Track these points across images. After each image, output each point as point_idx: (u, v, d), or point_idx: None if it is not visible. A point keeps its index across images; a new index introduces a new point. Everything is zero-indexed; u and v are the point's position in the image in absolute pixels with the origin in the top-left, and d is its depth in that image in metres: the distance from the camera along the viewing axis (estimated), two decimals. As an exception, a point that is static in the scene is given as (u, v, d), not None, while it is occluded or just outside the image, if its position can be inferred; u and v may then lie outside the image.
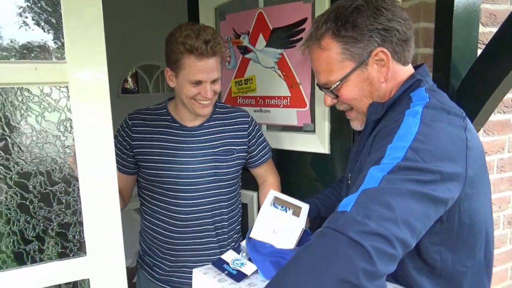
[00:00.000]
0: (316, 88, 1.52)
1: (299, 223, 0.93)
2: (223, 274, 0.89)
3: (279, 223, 0.93)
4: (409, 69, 0.91)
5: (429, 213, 0.70)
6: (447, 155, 0.73)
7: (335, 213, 0.71)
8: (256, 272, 0.89)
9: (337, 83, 0.89)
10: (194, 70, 1.25)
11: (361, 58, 0.86)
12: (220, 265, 0.91)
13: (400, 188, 0.68)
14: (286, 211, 0.99)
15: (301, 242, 0.95)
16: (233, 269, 0.88)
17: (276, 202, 1.03)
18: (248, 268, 0.89)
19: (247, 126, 1.44)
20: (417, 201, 0.68)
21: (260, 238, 0.94)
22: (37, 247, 0.98)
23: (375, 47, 0.85)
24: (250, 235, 0.95)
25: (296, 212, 1.00)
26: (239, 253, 0.95)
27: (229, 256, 0.94)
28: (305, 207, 1.01)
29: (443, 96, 0.86)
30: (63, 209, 0.98)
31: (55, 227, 0.98)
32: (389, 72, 0.87)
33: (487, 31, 1.51)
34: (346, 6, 0.85)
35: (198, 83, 1.27)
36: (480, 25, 1.45)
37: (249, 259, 0.92)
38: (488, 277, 0.87)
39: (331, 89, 0.90)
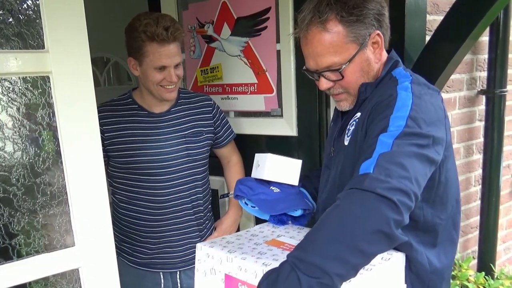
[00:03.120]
0: (283, 73, 1.60)
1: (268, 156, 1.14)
2: (230, 245, 0.98)
3: (261, 159, 1.18)
4: (385, 53, 1.02)
5: (427, 171, 0.84)
6: (434, 122, 0.86)
7: (357, 176, 0.80)
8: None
9: (346, 64, 0.94)
10: (157, 56, 1.31)
11: (364, 40, 0.94)
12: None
13: (408, 150, 0.80)
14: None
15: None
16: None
17: None
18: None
19: (211, 108, 1.52)
20: (420, 161, 0.81)
21: (253, 175, 1.19)
22: (23, 240, 0.96)
23: (374, 30, 0.94)
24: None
25: None
26: None
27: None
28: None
29: (416, 74, 0.99)
30: (48, 201, 0.97)
31: (40, 220, 0.97)
32: (382, 53, 0.97)
33: (432, 19, 1.67)
34: None
35: (162, 68, 1.34)
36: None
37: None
38: (456, 230, 1.02)
39: (340, 70, 0.95)
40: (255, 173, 1.18)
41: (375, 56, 0.97)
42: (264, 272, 0.79)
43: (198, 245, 0.99)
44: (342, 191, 0.81)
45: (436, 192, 0.93)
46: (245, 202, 1.16)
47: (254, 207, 1.13)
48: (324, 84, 1.00)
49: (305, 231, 1.06)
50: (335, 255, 0.73)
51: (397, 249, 0.93)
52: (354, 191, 0.78)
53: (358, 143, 0.93)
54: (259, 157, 1.18)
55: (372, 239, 0.74)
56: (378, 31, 0.95)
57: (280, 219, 1.10)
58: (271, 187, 1.14)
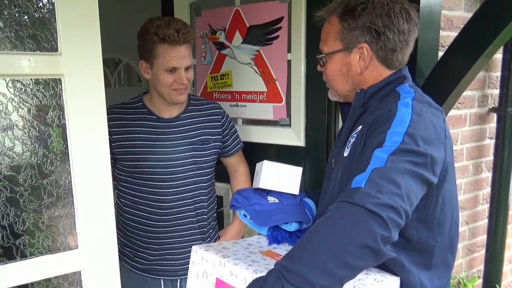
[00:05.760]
0: (293, 83, 1.60)
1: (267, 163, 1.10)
2: (225, 250, 0.96)
3: (259, 168, 1.13)
4: (378, 72, 1.00)
5: (420, 191, 0.82)
6: (432, 141, 0.85)
7: (348, 190, 0.80)
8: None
9: (324, 55, 1.03)
10: (168, 58, 1.31)
11: (348, 45, 0.98)
12: None
13: (402, 167, 0.79)
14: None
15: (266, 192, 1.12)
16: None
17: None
18: None
19: (220, 117, 1.51)
20: (413, 180, 0.80)
21: (253, 185, 1.15)
22: (27, 241, 0.97)
23: (362, 42, 0.96)
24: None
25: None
26: None
27: None
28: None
29: (422, 92, 0.98)
30: (54, 202, 0.98)
31: (45, 221, 0.98)
32: (365, 67, 0.98)
33: (445, 35, 1.66)
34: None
35: (173, 70, 1.33)
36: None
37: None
38: (452, 254, 1.00)
39: (320, 56, 1.05)
40: (255, 183, 1.13)
41: (358, 66, 0.99)
42: None
43: (194, 247, 0.99)
44: (334, 203, 0.81)
45: (433, 214, 0.92)
46: (244, 214, 1.09)
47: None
48: (318, 66, 1.08)
49: None
50: (321, 266, 0.73)
51: (391, 271, 0.91)
52: (344, 204, 0.78)
53: (356, 155, 0.93)
54: (258, 166, 1.13)
55: (359, 253, 0.73)
56: (366, 45, 0.96)
57: (275, 237, 1.03)
58: (268, 197, 1.08)
